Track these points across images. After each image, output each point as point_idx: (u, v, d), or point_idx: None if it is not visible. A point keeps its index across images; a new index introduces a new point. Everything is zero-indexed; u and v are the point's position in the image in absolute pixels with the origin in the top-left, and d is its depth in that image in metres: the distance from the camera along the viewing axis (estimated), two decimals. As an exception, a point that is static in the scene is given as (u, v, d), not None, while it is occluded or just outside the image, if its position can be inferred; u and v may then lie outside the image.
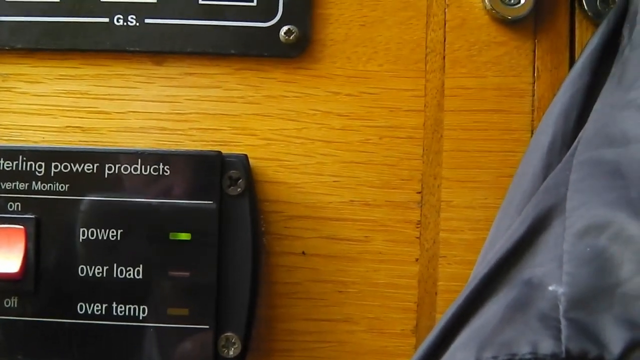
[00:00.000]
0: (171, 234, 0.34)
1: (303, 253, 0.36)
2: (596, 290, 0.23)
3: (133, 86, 0.37)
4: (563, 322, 0.23)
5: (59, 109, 0.37)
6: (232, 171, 0.34)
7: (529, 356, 0.23)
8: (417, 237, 0.37)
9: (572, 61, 0.37)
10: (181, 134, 0.37)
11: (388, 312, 0.36)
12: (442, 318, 0.28)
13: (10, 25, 0.37)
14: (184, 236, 0.34)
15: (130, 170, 0.34)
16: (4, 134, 0.37)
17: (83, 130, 0.37)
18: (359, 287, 0.37)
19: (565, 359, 0.22)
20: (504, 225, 0.32)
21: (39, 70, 0.37)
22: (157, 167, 0.34)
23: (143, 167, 0.34)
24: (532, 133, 0.37)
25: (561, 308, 0.24)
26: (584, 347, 0.22)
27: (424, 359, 0.27)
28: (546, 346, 0.23)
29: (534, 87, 0.37)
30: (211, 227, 0.34)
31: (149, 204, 0.34)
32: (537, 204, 0.29)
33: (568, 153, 0.30)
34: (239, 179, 0.34)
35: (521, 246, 0.28)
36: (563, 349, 0.23)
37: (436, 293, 0.36)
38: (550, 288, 0.25)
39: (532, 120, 0.37)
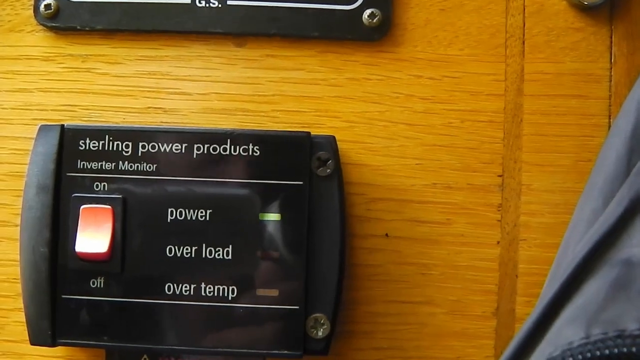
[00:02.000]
0: (261, 214, 0.34)
1: (386, 235, 0.37)
2: None
3: (214, 67, 0.37)
4: (666, 299, 0.24)
5: (140, 90, 0.37)
6: (320, 152, 0.34)
7: (637, 332, 0.23)
8: (498, 220, 0.37)
9: (647, 47, 0.38)
10: (264, 116, 0.37)
11: (469, 294, 0.37)
12: (541, 299, 0.28)
13: (91, 6, 0.37)
14: (274, 217, 0.34)
15: (220, 151, 0.34)
16: (84, 114, 0.37)
17: (165, 111, 0.37)
18: (441, 270, 0.37)
19: (671, 335, 0.23)
20: (587, 209, 0.32)
21: (119, 51, 0.37)
22: (246, 147, 0.34)
23: (232, 147, 0.34)
24: (609, 118, 0.37)
25: (663, 285, 0.24)
26: None
27: (529, 336, 0.27)
28: (653, 322, 0.23)
29: (610, 72, 0.37)
30: (301, 207, 0.34)
31: (239, 184, 0.34)
32: (631, 186, 0.29)
33: (658, 136, 0.31)
34: (329, 160, 0.34)
35: (618, 227, 0.28)
36: (669, 324, 0.23)
37: (517, 276, 0.37)
38: (652, 266, 0.25)
39: (610, 105, 0.37)
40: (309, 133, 0.34)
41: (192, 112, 0.37)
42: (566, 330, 0.26)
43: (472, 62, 0.37)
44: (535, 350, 0.27)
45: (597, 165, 0.35)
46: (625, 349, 0.23)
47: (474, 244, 0.37)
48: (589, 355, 0.24)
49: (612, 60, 0.37)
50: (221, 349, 0.34)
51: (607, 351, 0.23)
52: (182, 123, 0.37)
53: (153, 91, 0.37)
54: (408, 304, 0.37)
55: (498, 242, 0.37)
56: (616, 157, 0.33)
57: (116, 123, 0.37)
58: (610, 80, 0.37)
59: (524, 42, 0.37)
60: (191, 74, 0.37)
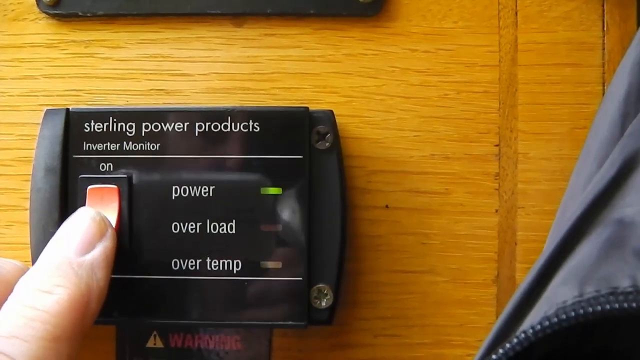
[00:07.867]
0: (262, 188, 0.35)
1: (386, 206, 0.37)
2: None
3: (214, 48, 0.38)
4: (659, 257, 0.24)
5: (142, 73, 0.38)
6: (319, 126, 0.35)
7: (630, 289, 0.24)
8: (495, 189, 0.37)
9: (639, 15, 0.38)
10: (264, 94, 0.38)
11: (469, 262, 0.37)
12: (537, 260, 0.29)
13: (91, -8, 0.38)
14: (275, 190, 0.35)
15: (220, 128, 0.35)
16: (88, 99, 0.38)
17: (167, 93, 0.38)
18: (441, 239, 0.37)
19: (665, 291, 0.23)
20: (583, 175, 0.33)
21: (121, 36, 0.38)
22: (246, 123, 0.35)
23: (233, 124, 0.35)
24: (603, 85, 0.38)
25: (655, 244, 0.25)
26: None
27: (524, 298, 0.28)
28: (646, 279, 0.24)
29: (603, 40, 0.38)
30: (301, 180, 0.35)
31: (240, 160, 0.35)
32: (623, 147, 0.30)
33: (650, 99, 0.31)
34: (327, 134, 0.35)
35: (610, 188, 0.28)
36: (662, 281, 0.23)
37: (516, 243, 0.37)
38: (645, 225, 0.25)
39: (603, 73, 0.38)
40: (307, 108, 0.35)
41: (194, 93, 0.38)
42: (561, 290, 0.26)
43: (466, 35, 0.38)
44: (531, 310, 0.27)
45: (592, 131, 0.35)
46: (617, 305, 0.24)
47: (473, 213, 0.37)
48: (581, 312, 0.24)
49: (605, 29, 0.38)
50: (229, 322, 0.35)
51: (599, 307, 0.24)
52: (185, 103, 0.38)
53: (155, 73, 0.38)
54: (410, 273, 0.37)
55: (496, 211, 0.37)
56: (610, 122, 0.33)
57: (120, 106, 0.38)
58: (604, 48, 0.38)
59: (516, 13, 0.38)
60: (192, 55, 0.38)
